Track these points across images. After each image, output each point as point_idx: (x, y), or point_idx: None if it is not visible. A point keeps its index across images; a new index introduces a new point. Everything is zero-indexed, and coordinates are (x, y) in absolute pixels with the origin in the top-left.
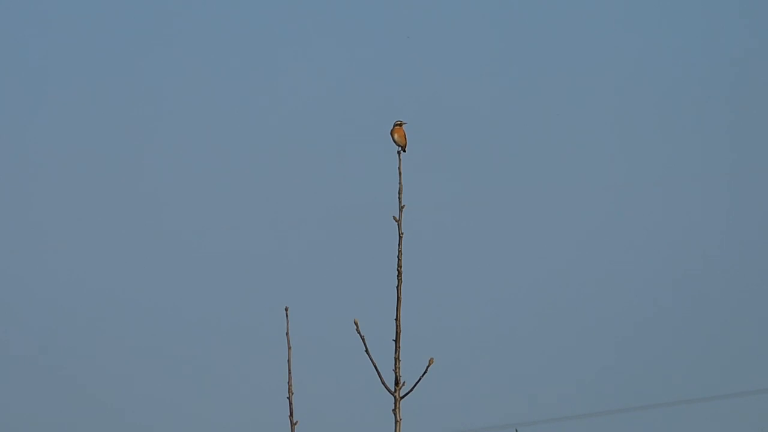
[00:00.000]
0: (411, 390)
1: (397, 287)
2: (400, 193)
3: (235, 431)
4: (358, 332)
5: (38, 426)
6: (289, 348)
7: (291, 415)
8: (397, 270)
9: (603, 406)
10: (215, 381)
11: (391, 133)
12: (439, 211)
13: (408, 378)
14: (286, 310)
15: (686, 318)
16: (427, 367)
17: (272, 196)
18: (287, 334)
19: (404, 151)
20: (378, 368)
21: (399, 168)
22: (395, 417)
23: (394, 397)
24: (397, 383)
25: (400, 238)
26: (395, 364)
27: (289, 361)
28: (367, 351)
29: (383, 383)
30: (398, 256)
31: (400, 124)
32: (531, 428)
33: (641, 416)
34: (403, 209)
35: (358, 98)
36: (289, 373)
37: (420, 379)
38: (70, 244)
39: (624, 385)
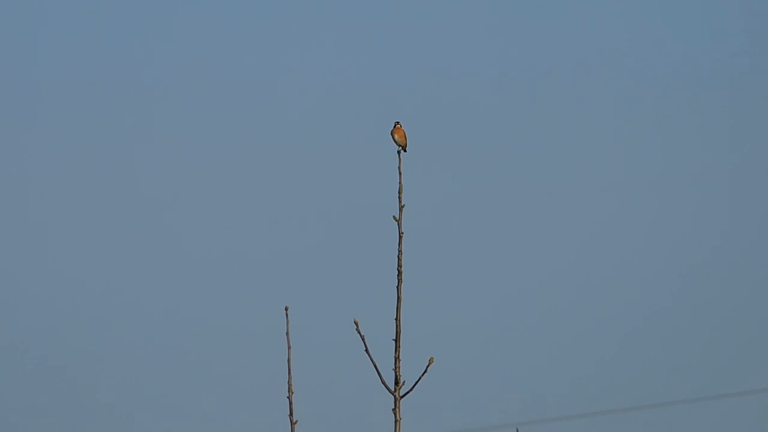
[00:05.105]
0: (411, 390)
1: (397, 287)
2: (400, 193)
3: (235, 431)
4: (358, 332)
5: (38, 426)
6: (289, 348)
7: (291, 414)
8: (397, 270)
9: (603, 406)
10: (215, 381)
11: (392, 134)
12: (439, 211)
13: (408, 378)
14: (286, 310)
15: (686, 318)
16: (427, 366)
17: (272, 196)
18: (287, 334)
19: (405, 150)
20: (378, 368)
21: (399, 168)
22: (395, 417)
23: (394, 396)
24: (397, 383)
25: (400, 238)
26: (395, 363)
27: (289, 361)
28: (367, 351)
29: (383, 383)
30: (398, 256)
31: (399, 125)
32: (531, 428)
33: (641, 416)
34: (403, 209)
35: (359, 98)
36: (289, 372)
37: (420, 378)
38: (70, 244)
39: (624, 385)
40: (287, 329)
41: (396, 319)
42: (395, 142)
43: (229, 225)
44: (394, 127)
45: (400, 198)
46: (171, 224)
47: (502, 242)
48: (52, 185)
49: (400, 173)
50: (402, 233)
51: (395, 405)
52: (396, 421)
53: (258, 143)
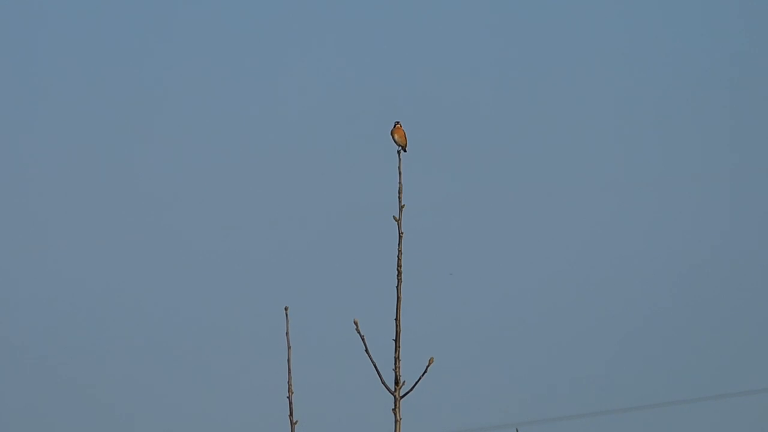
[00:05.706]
0: (411, 390)
1: (397, 287)
2: (400, 193)
3: (235, 431)
4: (358, 332)
5: (38, 426)
6: (289, 348)
7: (291, 414)
8: (397, 270)
9: (603, 406)
10: (215, 381)
11: (392, 133)
12: (439, 211)
13: (408, 378)
14: (286, 310)
15: (686, 318)
16: (427, 366)
17: (272, 196)
18: (287, 334)
19: (405, 150)
20: (378, 368)
21: (399, 168)
22: (395, 417)
23: (394, 396)
24: (397, 383)
25: (400, 238)
26: (395, 363)
27: (289, 360)
28: (367, 351)
29: (383, 383)
30: (398, 256)
31: (399, 125)
32: (531, 428)
33: (641, 416)
34: (403, 209)
35: (358, 98)
36: (289, 372)
37: (420, 378)
38: (70, 244)
39: (624, 385)
40: (287, 329)
41: (396, 319)
42: (395, 142)
43: (229, 225)
44: (394, 127)
45: (400, 198)
46: (171, 224)
47: (502, 242)
48: (52, 185)
49: (400, 173)
50: (402, 233)
51: (395, 405)
52: (396, 421)
53: (258, 143)
